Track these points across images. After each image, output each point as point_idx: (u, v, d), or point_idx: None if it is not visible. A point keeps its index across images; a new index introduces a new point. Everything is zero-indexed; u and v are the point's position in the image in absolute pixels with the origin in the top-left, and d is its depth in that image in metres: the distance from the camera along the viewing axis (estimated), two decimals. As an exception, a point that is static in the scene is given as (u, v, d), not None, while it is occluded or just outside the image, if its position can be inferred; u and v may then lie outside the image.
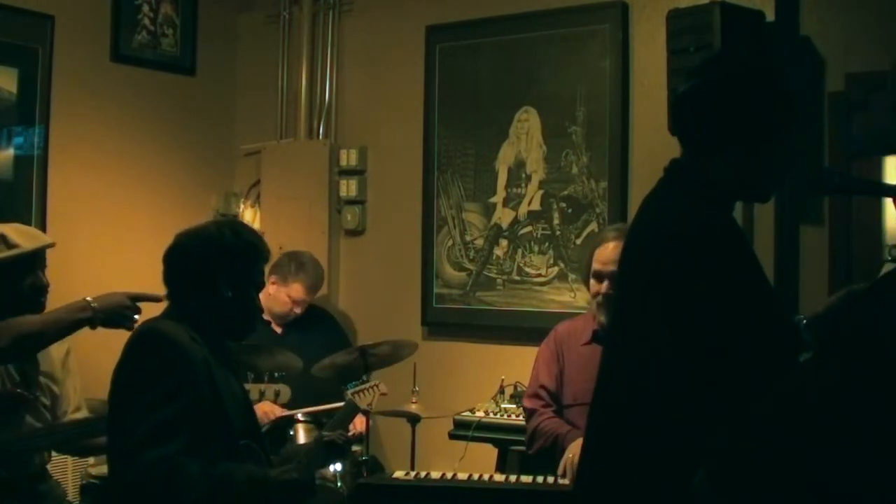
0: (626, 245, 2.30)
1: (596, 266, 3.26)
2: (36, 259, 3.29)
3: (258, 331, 4.33)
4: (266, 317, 4.55)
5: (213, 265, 2.64)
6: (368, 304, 5.00)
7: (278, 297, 4.51)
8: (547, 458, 3.21)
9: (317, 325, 4.65)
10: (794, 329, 2.15)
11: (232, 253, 2.66)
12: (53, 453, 3.39)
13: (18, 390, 3.17)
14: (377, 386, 3.35)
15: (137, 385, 2.49)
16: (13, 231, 3.30)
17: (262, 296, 4.63)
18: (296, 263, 4.55)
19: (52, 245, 3.33)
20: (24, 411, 3.17)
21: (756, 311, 2.05)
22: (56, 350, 3.36)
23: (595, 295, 3.28)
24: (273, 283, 4.54)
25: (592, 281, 3.29)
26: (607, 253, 3.21)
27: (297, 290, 4.49)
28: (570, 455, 3.10)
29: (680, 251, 2.08)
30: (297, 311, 4.53)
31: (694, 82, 2.18)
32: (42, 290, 3.29)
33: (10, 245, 3.24)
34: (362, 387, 3.30)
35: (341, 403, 3.33)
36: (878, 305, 1.78)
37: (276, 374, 3.79)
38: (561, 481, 3.07)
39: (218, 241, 2.67)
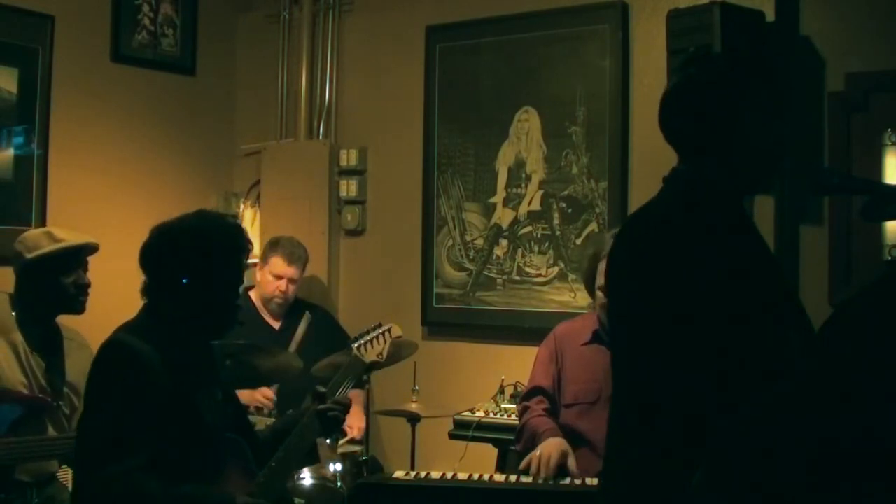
0: (615, 247, 2.30)
1: (605, 280, 3.22)
2: (79, 256, 3.31)
3: (255, 329, 4.35)
4: (263, 313, 4.55)
5: (184, 259, 2.58)
6: (368, 304, 5.00)
7: (264, 279, 4.54)
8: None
9: (317, 323, 4.63)
10: (789, 328, 2.14)
11: (203, 245, 2.60)
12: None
13: (41, 395, 3.18)
14: (388, 331, 3.10)
15: (98, 399, 2.49)
16: (58, 229, 3.34)
17: (251, 293, 4.65)
18: (272, 243, 4.60)
19: (96, 246, 3.34)
20: (47, 418, 3.18)
21: (745, 312, 2.05)
22: (83, 363, 3.37)
23: (606, 307, 3.25)
24: (259, 270, 4.57)
25: (601, 294, 3.27)
26: None
27: (276, 263, 4.50)
28: (538, 453, 3.11)
29: (666, 253, 2.10)
30: (283, 288, 4.49)
31: (671, 84, 2.19)
32: (84, 288, 3.30)
33: (55, 239, 3.26)
34: (370, 336, 3.07)
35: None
36: (870, 307, 1.78)
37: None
38: (561, 482, 3.06)
39: (187, 234, 2.61)
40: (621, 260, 2.24)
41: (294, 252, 4.53)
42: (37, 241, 3.25)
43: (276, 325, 4.56)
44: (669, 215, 2.14)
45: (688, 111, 2.13)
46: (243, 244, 2.69)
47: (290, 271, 4.50)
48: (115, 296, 4.23)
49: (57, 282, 3.23)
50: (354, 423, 4.27)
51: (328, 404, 2.80)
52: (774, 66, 3.57)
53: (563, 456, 3.10)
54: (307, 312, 4.58)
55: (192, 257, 2.59)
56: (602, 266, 3.25)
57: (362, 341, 3.05)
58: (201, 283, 2.58)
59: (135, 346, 2.49)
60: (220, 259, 2.62)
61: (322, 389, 2.84)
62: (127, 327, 2.60)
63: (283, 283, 4.49)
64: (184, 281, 2.57)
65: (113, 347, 2.53)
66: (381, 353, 3.04)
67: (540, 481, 3.05)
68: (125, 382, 2.44)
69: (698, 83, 2.13)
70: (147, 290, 2.65)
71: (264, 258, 4.57)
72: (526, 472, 3.13)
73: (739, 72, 2.15)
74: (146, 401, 2.42)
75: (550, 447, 3.12)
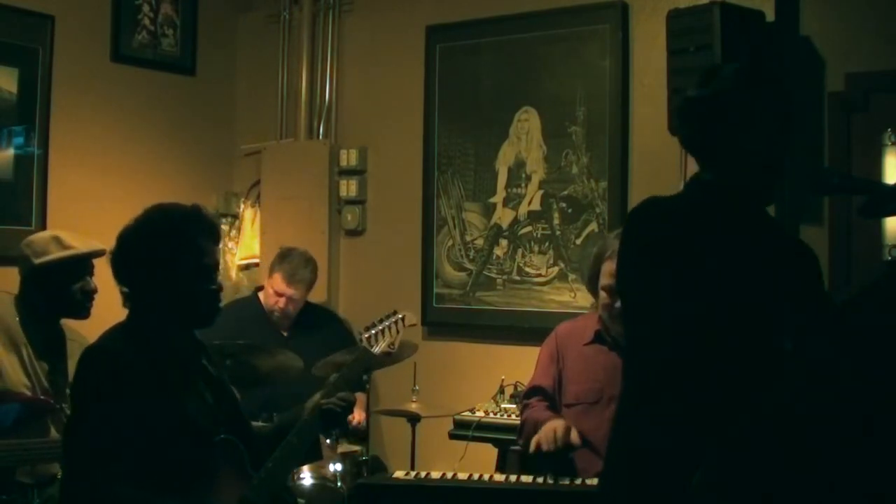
0: (625, 235, 2.37)
1: (610, 281, 3.22)
2: (87, 263, 3.29)
3: (261, 332, 4.34)
4: (271, 317, 4.52)
5: (142, 259, 2.54)
6: (368, 304, 4.99)
7: (267, 290, 4.47)
8: (549, 458, 3.20)
9: (323, 326, 4.59)
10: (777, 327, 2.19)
11: (156, 240, 2.55)
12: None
13: (43, 397, 3.18)
14: (402, 319, 2.88)
15: (80, 408, 2.46)
16: (66, 233, 3.31)
17: (261, 295, 4.61)
18: (280, 255, 4.49)
19: (104, 252, 3.31)
20: (50, 420, 3.17)
21: (718, 312, 2.12)
22: None
23: (608, 308, 3.25)
24: (266, 278, 4.52)
25: (604, 294, 3.26)
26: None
27: (276, 280, 4.41)
28: (543, 429, 3.10)
29: (668, 247, 2.20)
30: (282, 305, 4.41)
31: (683, 97, 2.28)
32: (90, 294, 3.29)
33: (64, 246, 3.24)
34: (381, 326, 2.86)
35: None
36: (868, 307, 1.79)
37: (273, 416, 3.75)
38: (561, 482, 3.06)
39: (140, 233, 2.57)
40: (628, 251, 2.31)
41: (296, 273, 4.41)
42: (45, 246, 3.24)
43: (285, 332, 4.52)
44: (677, 211, 2.25)
45: (694, 123, 2.23)
46: (200, 227, 2.60)
47: (290, 291, 4.40)
48: (114, 296, 4.24)
49: (64, 288, 3.23)
50: (356, 414, 4.23)
51: (332, 400, 2.72)
52: (777, 69, 3.59)
53: (567, 430, 3.10)
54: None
55: (149, 255, 2.54)
56: (605, 267, 3.24)
57: (372, 332, 2.88)
58: (167, 277, 2.53)
59: (115, 352, 2.46)
60: (177, 249, 2.55)
61: (331, 380, 2.75)
62: (109, 333, 2.56)
63: (282, 301, 4.41)
64: (146, 282, 2.54)
65: (93, 354, 2.50)
66: (392, 344, 2.84)
67: (540, 481, 3.05)
68: (106, 390, 2.41)
69: (704, 98, 2.22)
70: (125, 298, 2.63)
71: (270, 270, 4.49)
72: (526, 471, 3.13)
73: (743, 88, 2.21)
74: (128, 408, 2.39)
75: (554, 424, 3.12)
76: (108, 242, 3.47)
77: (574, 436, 3.09)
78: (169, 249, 2.54)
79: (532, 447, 3.12)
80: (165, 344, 2.55)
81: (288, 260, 4.45)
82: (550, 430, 3.10)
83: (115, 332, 2.57)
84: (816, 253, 2.16)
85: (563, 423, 3.12)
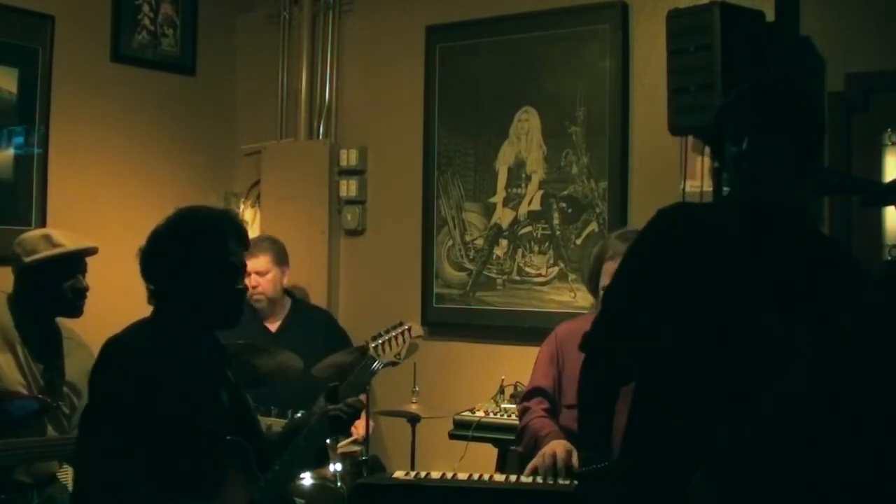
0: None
1: (611, 281, 3.22)
2: (78, 261, 3.29)
3: (251, 332, 4.32)
4: (259, 315, 4.50)
5: (170, 259, 2.57)
6: (368, 304, 5.00)
7: None
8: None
9: (313, 324, 4.60)
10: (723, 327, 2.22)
11: (183, 241, 2.58)
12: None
13: (40, 395, 3.18)
14: (408, 330, 2.98)
15: (98, 404, 2.47)
16: (57, 231, 3.31)
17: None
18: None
19: (95, 250, 3.32)
20: (46, 418, 3.17)
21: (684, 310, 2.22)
22: (82, 363, 3.35)
23: None
24: None
25: (604, 294, 3.26)
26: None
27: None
28: (544, 453, 3.10)
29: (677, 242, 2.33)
30: (254, 283, 4.33)
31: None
32: (82, 293, 3.29)
33: (53, 244, 3.24)
34: (387, 336, 2.96)
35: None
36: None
37: (271, 409, 3.72)
38: (561, 482, 3.06)
39: (168, 233, 2.60)
40: (652, 246, 2.44)
41: (255, 247, 4.26)
42: (35, 244, 3.23)
43: (273, 327, 4.52)
44: (703, 216, 2.37)
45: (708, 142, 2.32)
46: (229, 228, 2.65)
47: (250, 264, 4.34)
48: (114, 296, 4.25)
49: (54, 286, 3.23)
50: (358, 424, 4.25)
51: (341, 406, 2.75)
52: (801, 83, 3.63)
53: (569, 454, 3.09)
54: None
55: (178, 252, 2.57)
56: (606, 267, 3.24)
57: (380, 341, 2.96)
58: (194, 274, 2.56)
59: (136, 349, 2.47)
60: (206, 247, 2.58)
61: (334, 385, 2.77)
62: (132, 329, 2.58)
63: (251, 279, 4.34)
64: (173, 279, 2.56)
65: (115, 348, 2.50)
66: (398, 354, 2.95)
67: (540, 480, 3.04)
68: (124, 388, 2.41)
69: (719, 108, 2.33)
70: (151, 296, 2.64)
71: None
72: (534, 472, 3.12)
73: (737, 98, 2.27)
74: (146, 407, 2.39)
75: (555, 447, 3.11)
76: (108, 242, 3.48)
77: (575, 459, 3.07)
78: (197, 247, 2.58)
79: (528, 472, 3.11)
80: (187, 343, 2.56)
81: (253, 242, 4.42)
82: (550, 455, 3.07)
83: (138, 327, 2.58)
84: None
85: (564, 447, 3.10)
